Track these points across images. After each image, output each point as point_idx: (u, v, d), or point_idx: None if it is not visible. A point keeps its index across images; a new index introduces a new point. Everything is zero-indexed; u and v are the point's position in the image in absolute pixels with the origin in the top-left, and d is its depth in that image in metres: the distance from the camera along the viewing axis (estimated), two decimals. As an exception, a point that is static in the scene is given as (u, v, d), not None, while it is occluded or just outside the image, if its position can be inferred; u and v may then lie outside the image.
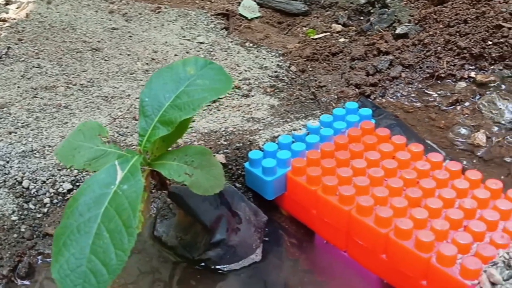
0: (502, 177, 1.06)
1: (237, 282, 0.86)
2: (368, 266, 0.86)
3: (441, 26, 1.49)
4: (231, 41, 1.60)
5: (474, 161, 1.13)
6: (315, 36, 1.65)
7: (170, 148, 0.78)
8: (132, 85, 1.30)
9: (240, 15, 1.75)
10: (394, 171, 0.91)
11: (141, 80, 1.33)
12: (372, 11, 1.72)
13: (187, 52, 1.50)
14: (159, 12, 1.71)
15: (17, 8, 1.66)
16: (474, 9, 1.47)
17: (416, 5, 1.65)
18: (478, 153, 1.16)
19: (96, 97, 1.24)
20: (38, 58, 1.39)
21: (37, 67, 1.35)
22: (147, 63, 1.41)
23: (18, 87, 1.27)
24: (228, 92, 1.23)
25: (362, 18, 1.74)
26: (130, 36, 1.55)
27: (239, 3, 1.81)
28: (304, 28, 1.73)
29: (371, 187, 0.87)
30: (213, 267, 0.87)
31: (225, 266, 0.87)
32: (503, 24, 1.40)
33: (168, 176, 0.74)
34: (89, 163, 0.73)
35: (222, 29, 1.67)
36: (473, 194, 0.84)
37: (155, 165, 0.75)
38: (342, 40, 1.62)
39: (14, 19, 1.58)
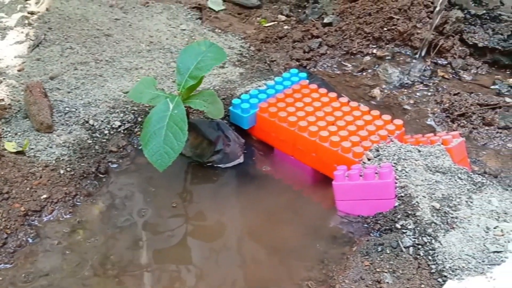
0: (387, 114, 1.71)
1: (230, 173, 1.47)
2: (305, 162, 1.49)
3: (353, 17, 2.13)
4: (205, 28, 2.17)
5: (372, 106, 1.77)
6: (267, 24, 2.25)
7: (194, 93, 1.37)
8: (142, 60, 1.86)
9: (209, 8, 2.32)
10: (320, 108, 1.53)
11: (148, 57, 1.88)
12: (307, 5, 2.34)
13: (175, 37, 2.06)
14: (147, 6, 2.25)
15: (36, 3, 2.15)
16: (375, 5, 2.11)
17: (338, 1, 2.27)
18: (374, 102, 1.81)
19: (119, 69, 1.78)
20: (68, 42, 1.91)
21: (69, 49, 1.87)
22: (148, 45, 1.97)
23: (61, 62, 1.79)
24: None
25: (300, 10, 2.36)
26: (130, 25, 2.09)
27: (207, -2, 2.38)
28: (258, 18, 2.31)
29: (306, 116, 1.49)
30: (215, 165, 1.47)
31: (223, 165, 1.47)
32: (394, 16, 2.05)
33: (194, 107, 1.33)
34: (150, 100, 1.30)
35: (197, 19, 2.23)
36: (363, 118, 1.49)
37: (187, 102, 1.34)
38: (286, 27, 2.22)
39: (39, 11, 2.07)
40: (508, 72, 1.91)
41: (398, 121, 1.48)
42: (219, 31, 2.16)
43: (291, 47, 2.07)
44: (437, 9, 1.88)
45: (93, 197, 1.35)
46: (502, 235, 1.19)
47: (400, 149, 1.37)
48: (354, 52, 2.04)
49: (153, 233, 1.29)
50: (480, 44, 1.94)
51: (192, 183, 1.47)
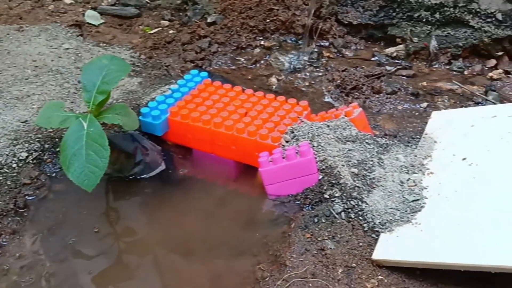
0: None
1: (155, 182, 1.46)
2: (226, 156, 1.53)
3: (236, 13, 2.20)
4: (89, 44, 2.10)
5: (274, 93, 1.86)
6: (151, 32, 2.24)
7: (103, 108, 1.34)
8: (32, 86, 1.76)
9: (88, 23, 2.25)
10: (229, 103, 1.58)
11: (37, 82, 1.78)
12: (187, 8, 2.36)
13: (60, 57, 1.97)
14: (22, 30, 2.13)
15: None
16: (254, 0, 2.21)
17: (217, 0, 2.33)
18: (274, 89, 1.90)
19: (10, 99, 1.68)
20: None
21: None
22: (33, 70, 1.86)
23: None
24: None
25: (181, 14, 2.38)
26: (8, 53, 1.96)
27: (83, 14, 2.30)
28: (141, 27, 2.30)
29: (219, 112, 1.53)
30: (138, 177, 1.45)
31: (146, 175, 1.46)
32: (273, 7, 2.16)
33: (109, 122, 1.30)
34: (61, 123, 1.25)
35: (78, 36, 2.16)
36: (271, 105, 1.56)
37: (100, 118, 1.31)
38: (171, 31, 2.24)
39: None
40: (382, 44, 2.11)
41: (303, 103, 1.58)
42: (104, 44, 2.11)
43: (181, 50, 2.09)
44: (312, -5, 2.02)
45: (19, 234, 1.27)
46: (415, 185, 1.33)
47: (311, 127, 1.47)
48: (244, 46, 2.12)
49: (87, 258, 1.25)
50: (355, 22, 2.12)
51: (116, 200, 1.44)
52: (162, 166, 1.50)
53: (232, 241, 1.29)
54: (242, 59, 2.08)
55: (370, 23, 2.10)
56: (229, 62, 2.06)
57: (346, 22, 2.13)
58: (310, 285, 1.11)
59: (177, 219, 1.37)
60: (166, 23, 2.31)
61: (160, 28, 2.27)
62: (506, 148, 1.35)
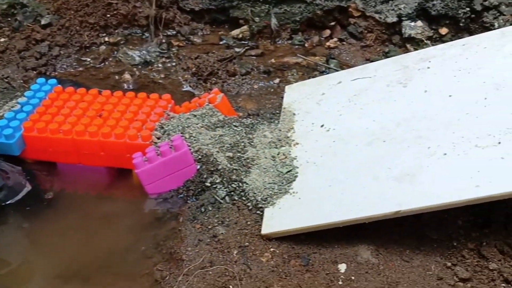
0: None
1: (24, 205, 1.36)
2: (95, 164, 1.47)
3: (72, 12, 2.08)
4: None
5: (127, 90, 1.82)
6: (-22, 42, 2.02)
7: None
8: None
9: None
10: (88, 107, 1.51)
11: None
12: (15, 12, 2.17)
13: None
14: None
15: None
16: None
17: (48, 0, 2.17)
18: (129, 86, 1.85)
19: None
20: None
21: None
22: None
23: None
24: None
25: (10, 19, 2.17)
26: None
27: None
28: (-36, 38, 2.06)
29: (78, 119, 1.46)
30: (3, 204, 1.33)
31: (12, 200, 1.35)
32: (112, 1, 2.09)
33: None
34: None
35: None
36: (133, 103, 1.53)
37: None
38: (3, 39, 2.04)
39: None
40: (227, 27, 2.17)
41: (166, 96, 1.58)
42: None
43: (19, 58, 1.93)
44: (151, -15, 1.99)
45: None
46: (286, 157, 1.43)
47: (180, 120, 1.48)
48: (87, 45, 2.03)
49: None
50: (197, 8, 2.14)
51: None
52: (28, 187, 1.40)
53: (122, 251, 1.26)
54: (89, 59, 1.99)
55: (212, 8, 2.14)
56: (75, 64, 1.96)
57: (188, 9, 2.14)
58: (210, 273, 1.14)
59: (56, 241, 1.29)
60: (-7, 31, 2.10)
61: (-12, 37, 2.06)
62: (355, 109, 1.51)
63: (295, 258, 1.19)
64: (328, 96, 1.62)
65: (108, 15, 2.08)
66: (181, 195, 1.37)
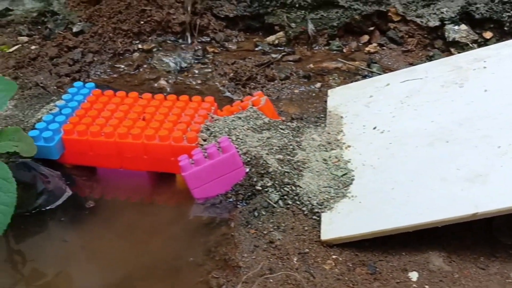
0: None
1: (65, 211, 1.28)
2: (138, 168, 1.40)
3: (105, 19, 2.05)
4: None
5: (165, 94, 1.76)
6: (10, 50, 1.99)
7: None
8: None
9: None
10: (129, 110, 1.45)
11: None
12: (46, 20, 2.14)
13: None
14: None
15: None
16: (122, 2, 2.07)
17: (79, 8, 2.14)
18: (166, 92, 1.79)
19: None
20: None
21: None
22: None
23: None
24: None
25: (40, 27, 2.14)
26: None
27: None
28: (-4, 46, 2.02)
29: (120, 121, 1.39)
30: (43, 209, 1.26)
31: (52, 205, 1.27)
32: (145, 8, 2.05)
33: (2, 151, 1.10)
34: None
35: None
36: (176, 106, 1.47)
37: (-10, 148, 1.10)
38: (34, 47, 2.00)
39: None
40: (261, 33, 2.11)
41: (209, 98, 1.51)
42: (-45, 71, 1.82)
43: (51, 65, 1.88)
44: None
45: None
46: (339, 160, 1.35)
47: (225, 122, 1.41)
48: (121, 52, 1.98)
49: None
50: (231, 15, 2.09)
51: (27, 240, 1.22)
52: (68, 192, 1.33)
53: (170, 259, 1.17)
54: (123, 66, 1.93)
55: (247, 14, 2.09)
56: (108, 70, 1.91)
57: (222, 16, 2.10)
58: (271, 281, 1.05)
59: (102, 247, 1.21)
60: (25, 38, 2.07)
61: (20, 45, 2.02)
62: (408, 110, 1.44)
63: (361, 266, 1.10)
64: (377, 98, 1.55)
65: (142, 22, 2.04)
66: (230, 200, 1.29)
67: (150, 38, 2.04)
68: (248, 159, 1.31)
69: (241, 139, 1.36)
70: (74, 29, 2.05)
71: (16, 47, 2.01)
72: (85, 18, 2.08)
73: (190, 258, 1.16)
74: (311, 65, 1.92)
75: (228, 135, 1.36)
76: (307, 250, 1.13)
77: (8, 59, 1.90)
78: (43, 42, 2.03)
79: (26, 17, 2.15)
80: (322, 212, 1.22)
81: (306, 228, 1.18)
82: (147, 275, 1.14)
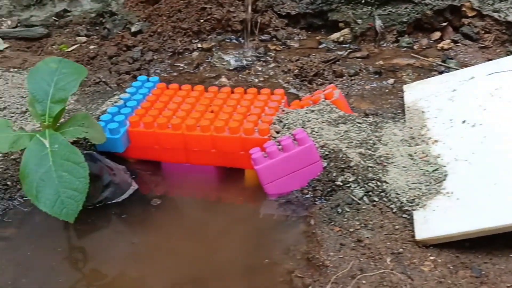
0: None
1: (133, 205, 1.20)
2: (205, 163, 1.31)
3: (164, 18, 2.00)
4: (-3, 70, 1.77)
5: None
6: (69, 49, 1.96)
7: (61, 121, 1.07)
8: None
9: (-11, 48, 1.92)
10: (196, 102, 1.37)
11: None
12: (104, 20, 2.11)
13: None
14: None
15: None
16: (182, 1, 2.02)
17: (138, 8, 2.11)
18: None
19: None
20: None
21: None
22: None
23: None
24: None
25: (98, 28, 2.12)
26: None
27: (-20, 40, 1.96)
28: (54, 46, 2.00)
29: (188, 113, 1.32)
30: (109, 202, 1.19)
31: (118, 199, 1.20)
32: (205, 6, 1.99)
33: (71, 137, 1.03)
34: (11, 146, 0.97)
35: (-19, 63, 1.82)
36: (244, 98, 1.38)
37: (60, 133, 1.03)
38: (92, 47, 1.97)
39: None
40: (323, 31, 2.02)
41: (279, 90, 1.42)
42: (16, 69, 1.79)
43: (110, 63, 1.84)
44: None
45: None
46: (426, 156, 1.23)
47: (298, 114, 1.31)
48: (181, 50, 1.92)
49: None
50: (293, 13, 2.01)
51: (89, 237, 1.14)
52: (134, 186, 1.25)
53: (246, 257, 1.07)
54: (182, 64, 1.87)
55: (309, 12, 2.01)
56: (168, 69, 1.85)
57: (284, 14, 2.02)
58: (364, 282, 0.93)
59: (174, 244, 1.12)
60: (83, 39, 2.04)
61: (78, 45, 1.99)
62: (501, 103, 1.30)
63: (463, 268, 0.97)
64: (461, 92, 1.42)
65: (202, 20, 1.98)
66: (307, 196, 1.18)
67: (210, 36, 1.98)
68: (326, 153, 1.21)
69: (316, 132, 1.26)
70: (133, 29, 2.01)
71: (74, 46, 1.98)
72: (143, 17, 2.04)
73: (266, 257, 1.06)
74: (381, 62, 1.81)
75: (302, 127, 1.26)
76: (401, 250, 1.00)
77: (68, 58, 1.87)
78: (101, 42, 2.00)
79: (84, 18, 2.13)
80: (414, 210, 1.09)
81: (397, 227, 1.06)
82: (221, 275, 1.04)
